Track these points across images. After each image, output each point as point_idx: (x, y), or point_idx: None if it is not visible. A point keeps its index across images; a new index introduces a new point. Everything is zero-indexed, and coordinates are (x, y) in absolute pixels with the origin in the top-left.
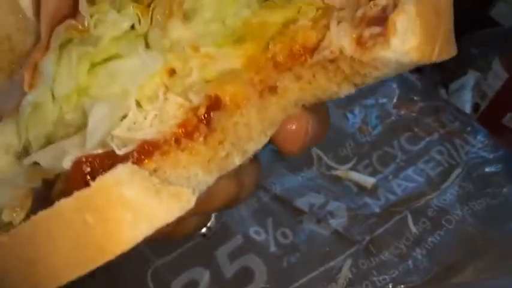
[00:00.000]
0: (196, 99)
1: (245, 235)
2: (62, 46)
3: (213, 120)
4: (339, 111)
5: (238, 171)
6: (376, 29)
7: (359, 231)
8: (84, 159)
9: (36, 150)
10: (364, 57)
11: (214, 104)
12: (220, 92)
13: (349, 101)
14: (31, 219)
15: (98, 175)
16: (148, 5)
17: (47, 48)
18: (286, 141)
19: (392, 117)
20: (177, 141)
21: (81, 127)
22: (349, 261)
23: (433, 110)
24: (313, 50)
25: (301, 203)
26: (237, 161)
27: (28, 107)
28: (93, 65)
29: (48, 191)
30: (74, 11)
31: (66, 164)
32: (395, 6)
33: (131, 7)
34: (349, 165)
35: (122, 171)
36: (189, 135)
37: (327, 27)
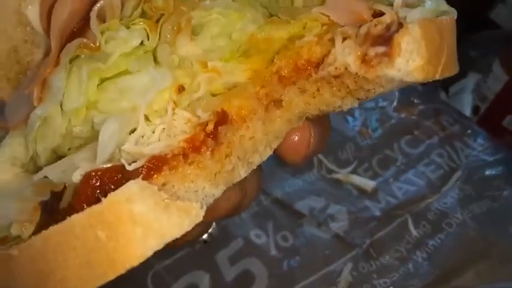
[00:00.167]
0: (204, 116)
1: (245, 238)
2: (71, 60)
3: (220, 134)
4: (339, 114)
5: (241, 181)
6: (381, 49)
7: (359, 235)
8: (93, 174)
9: (44, 162)
10: (368, 75)
11: (222, 119)
12: (227, 106)
13: None
14: (42, 234)
15: (107, 189)
16: (157, 21)
17: (56, 63)
18: (289, 152)
19: (393, 120)
20: (185, 155)
21: (89, 139)
22: (349, 265)
23: (433, 112)
24: (318, 64)
25: (302, 206)
26: (242, 173)
27: (37, 121)
28: (102, 80)
29: (56, 201)
30: (83, 26)
31: (76, 178)
32: (399, 25)
33: (140, 23)
34: (349, 168)
35: (132, 187)
36: (197, 149)
37: (332, 42)
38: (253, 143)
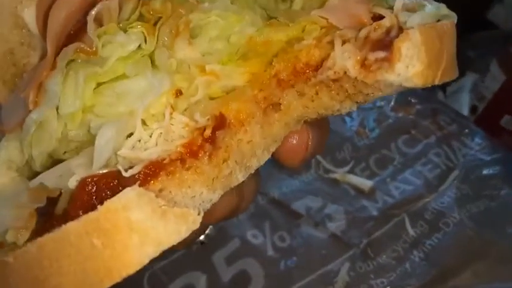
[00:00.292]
0: (202, 120)
1: (242, 239)
2: (68, 64)
3: (218, 138)
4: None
5: (239, 184)
6: (380, 54)
7: (356, 235)
8: (89, 180)
9: (39, 166)
10: (367, 79)
11: (220, 123)
12: (225, 110)
13: None
14: (37, 241)
15: (104, 195)
16: (155, 24)
17: (53, 66)
18: (287, 156)
19: (390, 120)
20: (183, 160)
21: (85, 143)
22: (346, 265)
23: (430, 112)
24: (317, 67)
25: (299, 206)
26: (240, 177)
27: (33, 125)
28: (99, 84)
29: (52, 207)
30: (79, 29)
31: (72, 183)
32: (399, 29)
33: (138, 26)
34: (346, 168)
35: (129, 194)
36: (194, 154)
37: (331, 45)
38: (251, 147)
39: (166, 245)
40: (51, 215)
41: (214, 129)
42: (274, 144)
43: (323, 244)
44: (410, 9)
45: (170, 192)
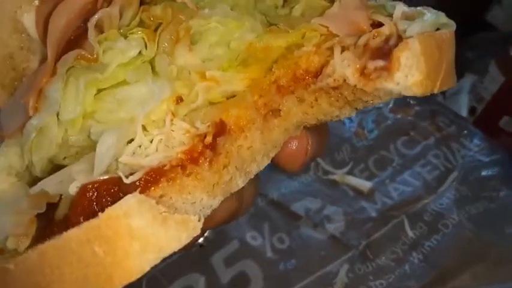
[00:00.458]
0: (202, 127)
1: (241, 240)
2: (68, 70)
3: (218, 145)
4: None
5: (238, 189)
6: (380, 62)
7: (355, 236)
8: (90, 186)
9: (39, 171)
10: (367, 88)
11: (220, 130)
12: (225, 116)
13: None
14: (38, 248)
15: (104, 201)
16: (155, 30)
17: (53, 72)
18: (287, 161)
19: (389, 121)
20: (183, 167)
21: (85, 148)
22: (345, 266)
23: (429, 113)
24: (316, 74)
25: (298, 207)
26: (240, 183)
27: (33, 131)
28: (100, 90)
29: (51, 211)
30: (80, 35)
31: (72, 189)
32: (399, 38)
33: (138, 32)
34: (345, 169)
35: (130, 201)
36: (195, 160)
37: (330, 51)
38: (251, 153)
39: (167, 252)
40: (51, 220)
41: (215, 136)
42: (274, 150)
43: (322, 245)
44: (410, 17)
45: (171, 198)
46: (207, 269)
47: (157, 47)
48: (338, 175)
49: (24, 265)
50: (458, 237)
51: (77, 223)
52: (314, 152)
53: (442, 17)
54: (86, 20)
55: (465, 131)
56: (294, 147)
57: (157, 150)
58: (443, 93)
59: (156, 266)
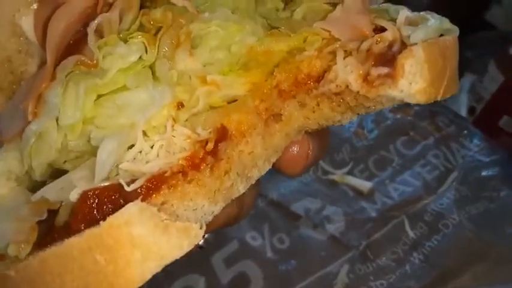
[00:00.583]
0: (203, 133)
1: (241, 240)
2: (67, 74)
3: (220, 150)
4: None
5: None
6: (384, 70)
7: (356, 236)
8: (91, 193)
9: (39, 176)
10: (370, 94)
11: (221, 135)
12: (227, 121)
13: None
14: (39, 256)
15: (105, 208)
16: (155, 34)
17: (52, 77)
18: (288, 165)
19: (388, 121)
20: (184, 173)
21: (85, 153)
22: (346, 267)
23: (428, 113)
24: (318, 78)
25: (298, 207)
26: (241, 189)
27: (32, 136)
28: (99, 96)
29: (51, 217)
30: (79, 39)
31: (73, 196)
32: (402, 44)
33: (138, 36)
34: (345, 169)
35: (131, 209)
36: (196, 167)
37: (332, 54)
38: (252, 158)
39: (168, 260)
40: (51, 226)
41: (216, 142)
42: (275, 155)
43: (322, 246)
44: (413, 23)
45: (172, 205)
46: (207, 270)
47: (158, 51)
48: (338, 175)
49: (25, 272)
50: (458, 237)
51: (78, 230)
52: (315, 156)
53: (446, 23)
54: (86, 24)
55: (465, 131)
56: (295, 152)
57: (158, 156)
58: None
59: None
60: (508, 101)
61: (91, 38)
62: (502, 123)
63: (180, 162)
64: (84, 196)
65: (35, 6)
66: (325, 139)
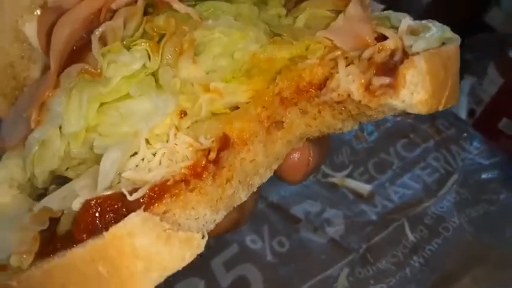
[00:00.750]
0: (206, 142)
1: (241, 244)
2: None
3: (222, 159)
4: None
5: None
6: (385, 79)
7: (356, 239)
8: (93, 202)
9: (41, 183)
10: (371, 104)
11: (224, 144)
12: (229, 129)
13: None
14: (42, 267)
15: (108, 218)
16: (158, 41)
17: (56, 84)
18: (288, 172)
19: (389, 124)
20: (187, 182)
21: (87, 160)
22: (346, 270)
23: (428, 116)
24: (320, 85)
25: (298, 210)
26: (243, 196)
27: (35, 144)
28: (103, 104)
29: (53, 225)
30: (83, 46)
31: (76, 206)
32: (404, 53)
33: (142, 43)
34: (345, 172)
35: (133, 220)
36: (199, 175)
37: (333, 62)
38: (254, 166)
39: (171, 271)
40: (53, 235)
41: (219, 151)
42: (276, 162)
43: (322, 249)
44: (415, 31)
45: (174, 214)
46: (206, 273)
47: (161, 59)
48: (338, 178)
49: (27, 283)
50: (458, 240)
51: (80, 240)
52: (316, 163)
53: (447, 32)
54: (89, 31)
55: (465, 134)
56: (296, 159)
57: (160, 163)
58: None
59: None
60: (507, 104)
61: (95, 46)
62: (502, 125)
63: (182, 170)
64: (86, 205)
65: (38, 12)
66: (325, 146)
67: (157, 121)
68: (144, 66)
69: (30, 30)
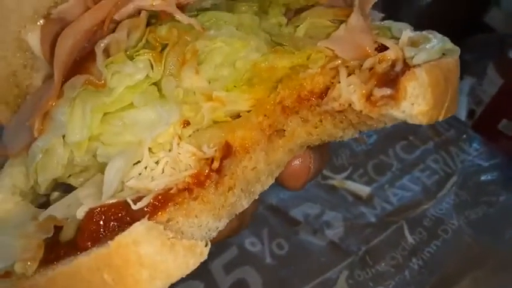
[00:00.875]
0: (209, 151)
1: (240, 246)
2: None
3: (224, 167)
4: None
5: None
6: (387, 91)
7: (355, 242)
8: (97, 210)
9: (44, 190)
10: (372, 114)
11: (226, 153)
12: (231, 138)
13: None
14: (47, 274)
15: (112, 226)
16: (161, 51)
17: (59, 94)
18: (290, 179)
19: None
20: (190, 190)
21: (89, 168)
22: (345, 273)
23: None
24: (321, 94)
25: (297, 213)
26: (245, 204)
27: (39, 152)
28: (106, 113)
29: (58, 234)
30: (86, 56)
31: (80, 214)
32: (405, 65)
33: (145, 54)
34: (344, 174)
35: (138, 228)
36: (201, 184)
37: (334, 70)
38: (255, 174)
39: (175, 278)
40: (56, 242)
41: (222, 160)
42: (277, 170)
43: (321, 252)
44: (416, 42)
45: (177, 222)
46: (206, 276)
47: (164, 68)
48: (337, 180)
49: None
50: (458, 242)
51: (84, 248)
52: (316, 170)
53: (448, 43)
54: (92, 42)
55: (464, 135)
56: (297, 166)
57: (163, 172)
58: None
59: None
60: (507, 104)
61: (99, 58)
62: (501, 126)
63: (185, 179)
64: (90, 213)
65: (41, 22)
66: (325, 153)
67: (161, 130)
68: (147, 76)
69: (33, 39)
